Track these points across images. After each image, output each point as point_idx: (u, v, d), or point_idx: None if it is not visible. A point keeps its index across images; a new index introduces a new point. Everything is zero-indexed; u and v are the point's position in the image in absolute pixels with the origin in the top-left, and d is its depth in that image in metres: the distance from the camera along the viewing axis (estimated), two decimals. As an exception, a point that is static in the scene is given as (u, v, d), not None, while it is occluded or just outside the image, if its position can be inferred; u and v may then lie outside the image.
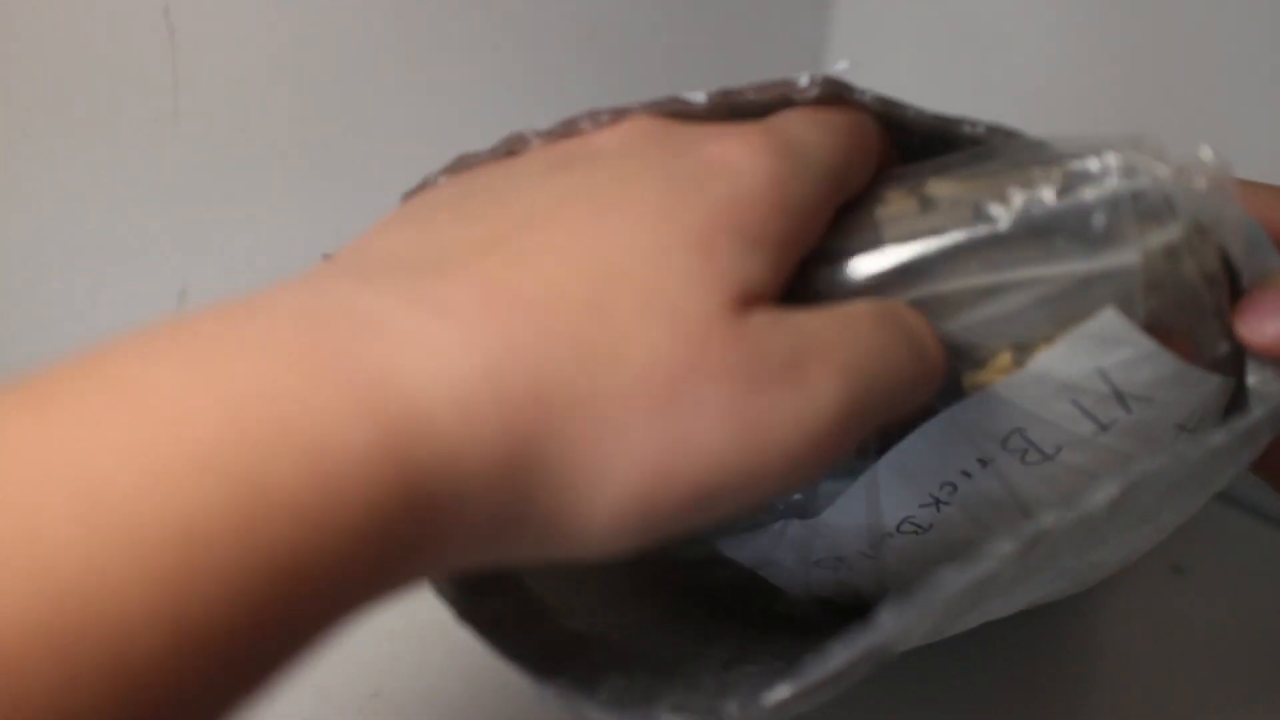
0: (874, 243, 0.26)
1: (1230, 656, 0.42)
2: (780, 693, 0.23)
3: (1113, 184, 0.24)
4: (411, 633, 0.37)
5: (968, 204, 0.25)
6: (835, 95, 0.27)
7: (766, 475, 0.21)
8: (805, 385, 0.21)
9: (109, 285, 0.46)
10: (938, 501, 0.29)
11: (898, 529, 0.30)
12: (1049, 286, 0.25)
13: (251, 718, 0.18)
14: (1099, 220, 0.24)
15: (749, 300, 0.22)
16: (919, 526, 0.30)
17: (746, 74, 0.64)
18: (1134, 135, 0.25)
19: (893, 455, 0.29)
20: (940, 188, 0.26)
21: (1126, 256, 0.24)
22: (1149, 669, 0.41)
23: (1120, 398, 0.25)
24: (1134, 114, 0.54)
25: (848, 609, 0.33)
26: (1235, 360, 0.26)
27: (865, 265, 0.26)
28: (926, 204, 0.26)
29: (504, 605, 0.28)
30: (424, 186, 0.31)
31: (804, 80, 0.27)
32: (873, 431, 0.24)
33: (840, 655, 0.22)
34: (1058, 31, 0.57)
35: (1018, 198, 0.25)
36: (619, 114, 0.28)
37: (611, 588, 0.33)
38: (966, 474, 0.28)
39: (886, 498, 0.30)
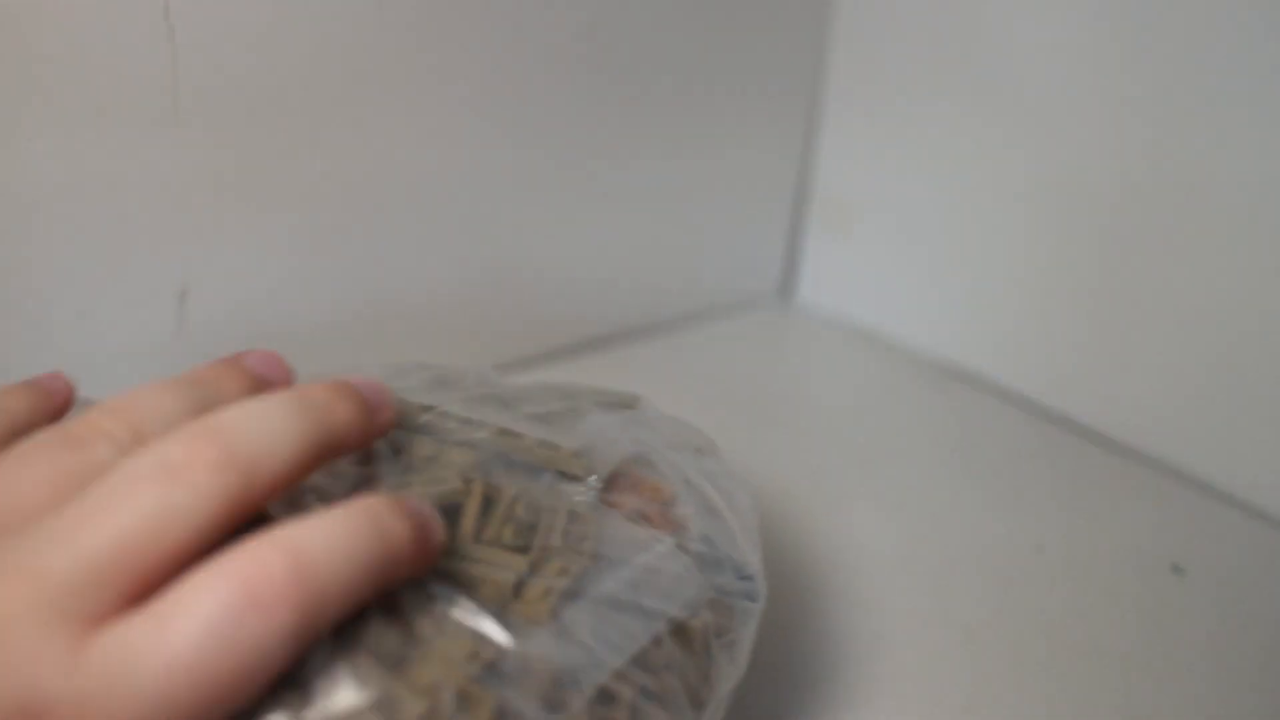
0: None
1: (1230, 656, 0.42)
2: None
3: None
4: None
5: None
6: None
7: None
8: None
9: (109, 286, 0.46)
10: None
11: None
12: None
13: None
14: None
15: None
16: None
17: (746, 72, 0.65)
18: None
19: None
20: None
21: None
22: (1148, 668, 0.41)
23: None
24: (1134, 110, 0.54)
25: None
26: None
27: None
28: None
29: None
30: None
31: None
32: None
33: None
34: (1059, 30, 0.56)
35: None
36: None
37: None
38: None
39: None
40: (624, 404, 0.40)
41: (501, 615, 0.26)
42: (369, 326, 0.55)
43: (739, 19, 0.63)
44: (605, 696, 0.26)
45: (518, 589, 0.27)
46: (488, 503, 0.29)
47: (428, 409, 0.33)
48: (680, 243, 0.68)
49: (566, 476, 0.32)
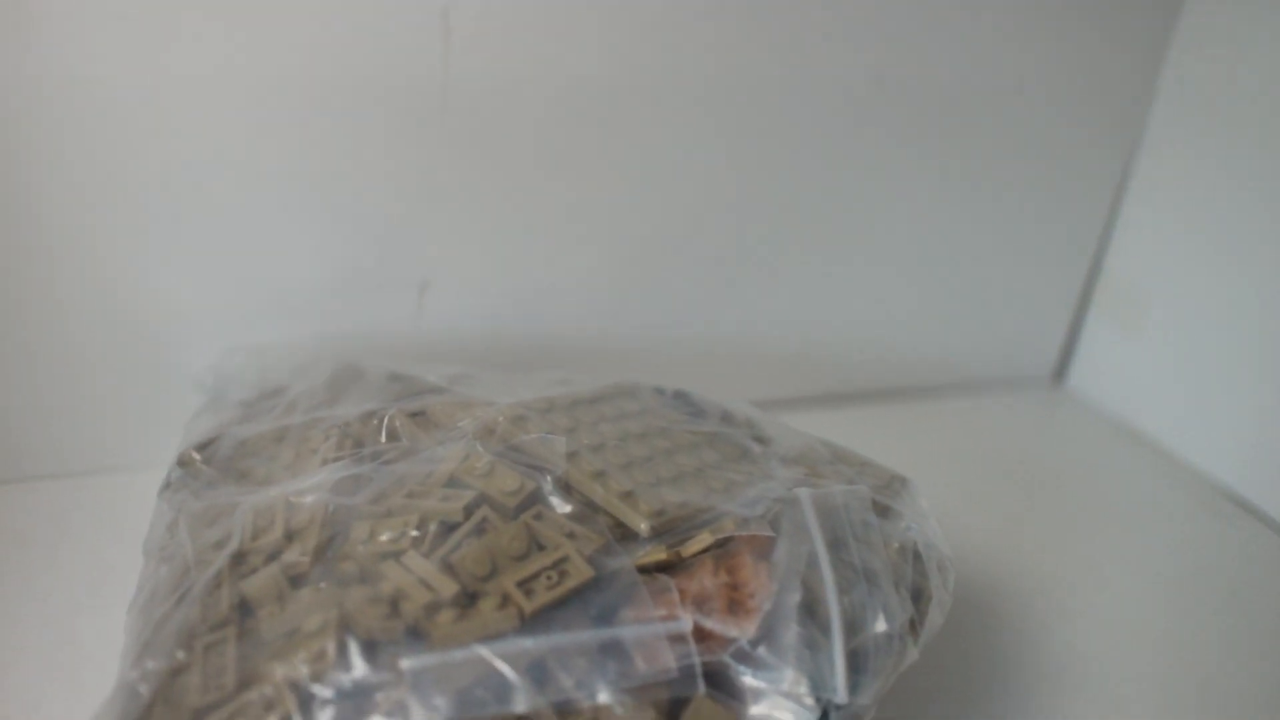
0: None
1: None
2: None
3: None
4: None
5: None
6: None
7: None
8: None
9: (358, 268, 0.49)
10: None
11: None
12: None
13: None
14: None
15: None
16: None
17: (1057, 144, 0.60)
18: None
19: None
20: None
21: None
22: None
23: None
24: None
25: None
26: None
27: None
28: None
29: None
30: None
31: None
32: None
33: None
34: None
35: None
36: None
37: None
38: None
39: None
40: (884, 483, 0.38)
41: (412, 629, 0.27)
42: (600, 349, 0.55)
43: (1059, 88, 0.58)
44: None
45: (431, 609, 0.28)
46: (479, 529, 0.31)
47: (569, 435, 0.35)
48: (960, 311, 0.64)
49: (622, 528, 0.32)
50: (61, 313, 0.45)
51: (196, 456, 0.38)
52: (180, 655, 0.28)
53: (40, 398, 0.46)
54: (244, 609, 0.29)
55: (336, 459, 0.35)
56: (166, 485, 0.38)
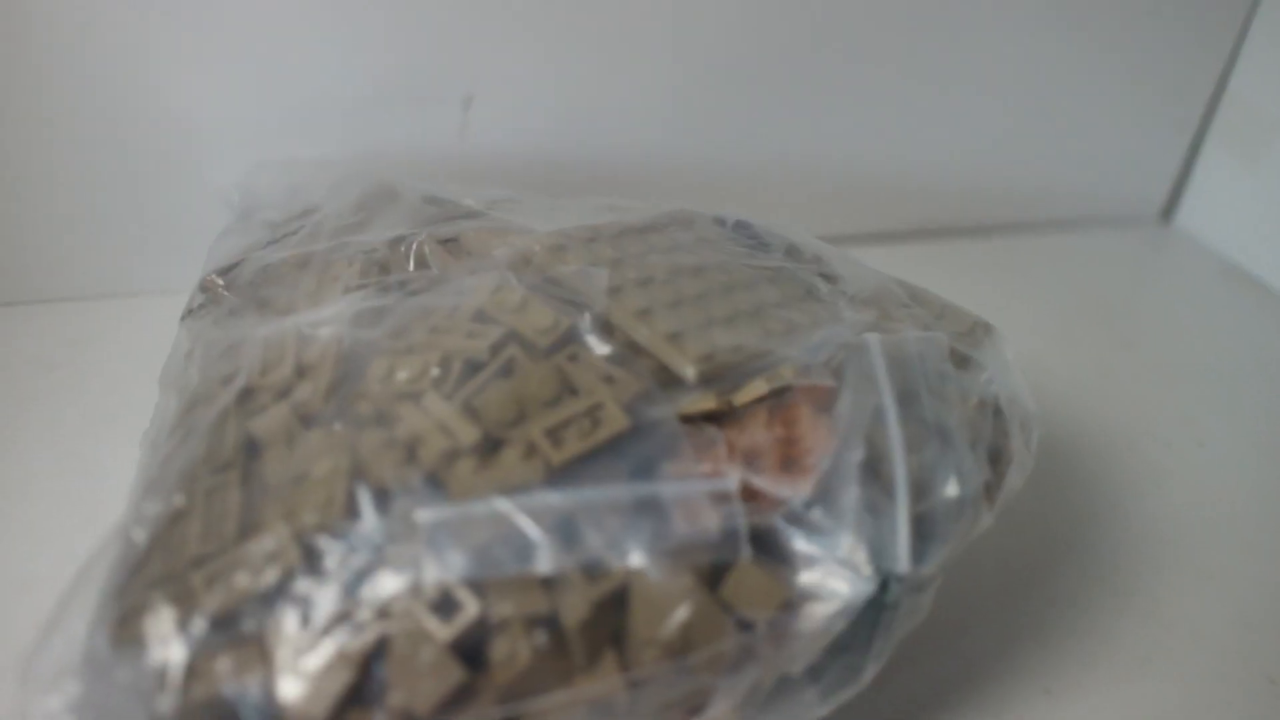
0: None
1: None
2: None
3: None
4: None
5: None
6: None
7: None
8: None
9: (399, 81, 0.45)
10: None
11: None
12: None
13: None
14: None
15: None
16: None
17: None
18: None
19: None
20: None
21: None
22: None
23: None
24: None
25: None
26: None
27: None
28: None
29: None
30: None
31: None
32: None
33: None
34: None
35: None
36: None
37: None
38: None
39: None
40: (965, 330, 0.34)
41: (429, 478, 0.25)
42: (656, 174, 0.51)
43: None
44: (446, 604, 0.23)
45: (449, 457, 0.25)
46: (506, 370, 0.28)
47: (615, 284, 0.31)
48: (1061, 139, 0.59)
49: (666, 373, 0.28)
50: (75, 123, 0.43)
51: (219, 281, 0.36)
52: (179, 499, 0.26)
53: (57, 215, 0.45)
54: (250, 450, 0.27)
55: (359, 287, 0.32)
56: (188, 312, 0.36)
